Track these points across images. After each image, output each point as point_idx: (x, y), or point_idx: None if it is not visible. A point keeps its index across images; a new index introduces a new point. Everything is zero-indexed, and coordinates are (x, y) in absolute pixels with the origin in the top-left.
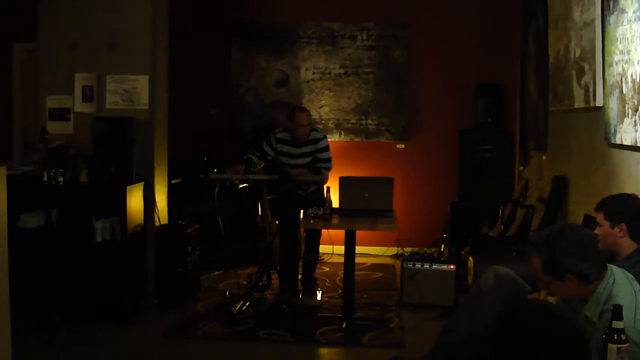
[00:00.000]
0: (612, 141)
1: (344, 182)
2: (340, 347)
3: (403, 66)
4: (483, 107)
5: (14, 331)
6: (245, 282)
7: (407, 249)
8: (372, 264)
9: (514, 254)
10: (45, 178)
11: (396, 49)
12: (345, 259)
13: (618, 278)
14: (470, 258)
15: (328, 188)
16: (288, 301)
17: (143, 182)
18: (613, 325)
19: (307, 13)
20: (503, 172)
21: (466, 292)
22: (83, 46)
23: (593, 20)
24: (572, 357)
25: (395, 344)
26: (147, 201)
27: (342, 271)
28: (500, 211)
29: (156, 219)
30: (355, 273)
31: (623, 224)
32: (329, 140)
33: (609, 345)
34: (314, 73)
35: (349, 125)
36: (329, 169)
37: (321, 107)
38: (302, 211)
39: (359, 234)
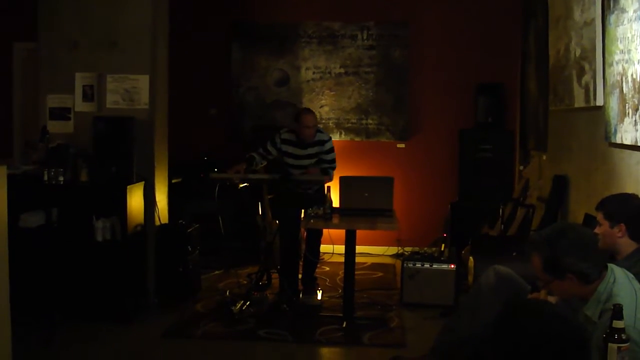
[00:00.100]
0: (613, 141)
1: (344, 182)
2: (341, 346)
3: (403, 66)
4: (483, 107)
5: (14, 330)
6: (245, 282)
7: (408, 249)
8: (373, 264)
9: (514, 254)
10: (46, 177)
11: (396, 48)
12: (345, 259)
13: (618, 277)
14: (471, 257)
15: (328, 187)
16: (288, 301)
17: (143, 182)
18: (613, 325)
19: (308, 12)
20: (503, 172)
21: (466, 292)
22: (83, 46)
23: (593, 20)
24: (572, 356)
25: (396, 344)
26: (148, 201)
27: (343, 271)
28: (500, 211)
29: (156, 219)
30: (356, 272)
31: (622, 224)
32: None
33: (610, 344)
34: (314, 73)
35: (349, 125)
36: (333, 169)
37: (321, 106)
38: (302, 211)
39: (359, 233)
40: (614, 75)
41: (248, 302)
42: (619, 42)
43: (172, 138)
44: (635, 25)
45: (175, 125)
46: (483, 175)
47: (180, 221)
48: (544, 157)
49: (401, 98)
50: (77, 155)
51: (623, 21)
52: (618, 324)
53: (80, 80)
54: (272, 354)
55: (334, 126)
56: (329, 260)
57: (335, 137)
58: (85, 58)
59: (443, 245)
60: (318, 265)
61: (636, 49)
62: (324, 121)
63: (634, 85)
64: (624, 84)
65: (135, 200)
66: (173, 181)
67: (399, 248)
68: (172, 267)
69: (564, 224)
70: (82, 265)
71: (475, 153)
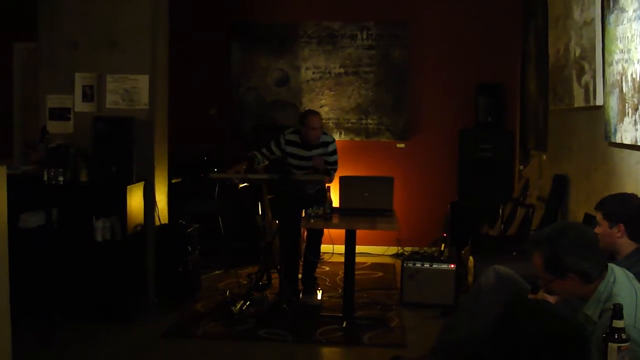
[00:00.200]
0: (612, 140)
1: (344, 182)
2: (341, 346)
3: (403, 66)
4: (483, 107)
5: (14, 330)
6: (245, 282)
7: (408, 249)
8: (373, 264)
9: (514, 253)
10: (46, 177)
11: (396, 48)
12: (345, 259)
13: (618, 277)
14: (471, 257)
15: (328, 187)
16: (288, 301)
17: (143, 182)
18: (613, 324)
19: (307, 12)
20: (503, 172)
21: (466, 292)
22: (83, 46)
23: (593, 19)
24: (572, 356)
25: (396, 344)
26: (147, 201)
27: (343, 270)
28: (500, 210)
29: (156, 219)
30: (356, 272)
31: (621, 224)
32: None
33: (610, 344)
34: (314, 72)
35: (349, 125)
36: (335, 171)
37: (321, 106)
38: (303, 211)
39: (359, 233)
40: (613, 74)
41: (248, 302)
42: (618, 41)
43: (172, 138)
44: (634, 25)
45: (175, 125)
46: (483, 175)
47: (180, 221)
48: (544, 157)
49: (401, 98)
50: (77, 156)
51: (623, 21)
52: (618, 323)
53: (80, 80)
54: (272, 354)
55: (334, 126)
56: (329, 260)
57: (335, 137)
58: (85, 58)
59: (443, 245)
60: (318, 265)
61: (636, 49)
62: (324, 121)
63: (633, 84)
64: (623, 83)
65: (135, 200)
66: (173, 181)
67: (399, 248)
68: (172, 267)
69: (565, 223)
70: (82, 265)
71: (475, 153)
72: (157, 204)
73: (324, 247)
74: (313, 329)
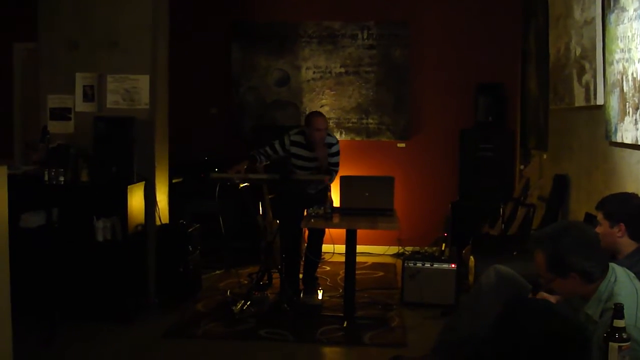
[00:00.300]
0: (613, 140)
1: (345, 182)
2: (342, 346)
3: (404, 65)
4: (484, 106)
5: (15, 330)
6: (246, 282)
7: (408, 248)
8: (373, 263)
9: (515, 253)
10: (46, 178)
11: (397, 48)
12: (346, 258)
13: (619, 277)
14: (471, 257)
15: (329, 187)
16: (289, 300)
17: (144, 182)
18: (614, 324)
19: (308, 12)
20: (504, 171)
21: (467, 291)
22: (83, 46)
23: (594, 19)
24: (573, 355)
25: (397, 343)
26: (148, 200)
27: (343, 270)
28: (501, 210)
29: (157, 219)
30: (356, 272)
31: (622, 223)
32: None
33: (610, 343)
34: (314, 72)
35: (350, 125)
36: (336, 172)
37: (322, 106)
38: (304, 210)
39: (360, 233)
40: (614, 74)
41: (249, 302)
42: (619, 41)
43: (172, 138)
44: (635, 24)
45: (176, 125)
46: (483, 175)
47: (181, 221)
48: (545, 157)
49: (402, 98)
50: (78, 156)
51: (623, 20)
52: (619, 323)
53: (81, 80)
54: (272, 354)
55: (335, 126)
56: (330, 260)
57: (336, 137)
58: (86, 58)
59: (444, 244)
60: (319, 265)
61: (636, 48)
62: None
63: (634, 84)
64: (624, 83)
65: (135, 200)
66: (174, 181)
67: (400, 247)
68: (173, 267)
69: (568, 222)
70: (82, 265)
71: (476, 152)
72: (158, 203)
73: (325, 247)
74: (314, 328)
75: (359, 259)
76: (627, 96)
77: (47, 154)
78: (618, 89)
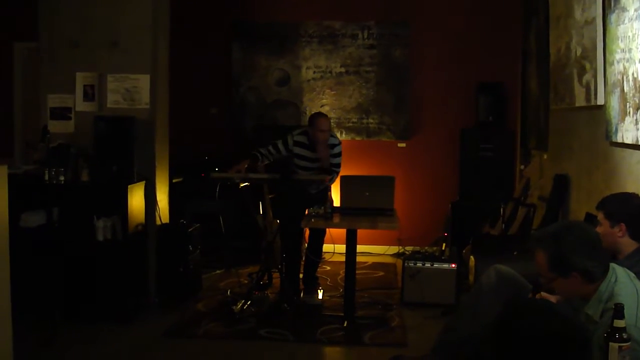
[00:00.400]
0: (614, 140)
1: (345, 181)
2: (342, 346)
3: (404, 65)
4: (484, 106)
5: (15, 330)
6: (246, 281)
7: (408, 248)
8: (373, 263)
9: (515, 253)
10: (47, 177)
11: (397, 47)
12: (346, 258)
13: (620, 277)
14: (472, 257)
15: (329, 187)
16: (289, 300)
17: (144, 181)
18: (615, 324)
19: (308, 12)
20: (504, 171)
21: (467, 291)
22: (84, 45)
23: (594, 19)
24: (574, 356)
25: (397, 343)
26: (148, 200)
27: (343, 270)
28: (501, 210)
29: (157, 218)
30: (357, 272)
31: (622, 223)
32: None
33: (611, 344)
34: (314, 72)
35: (350, 124)
36: (337, 173)
37: (322, 106)
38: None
39: (360, 232)
40: (614, 74)
41: (249, 302)
42: (619, 41)
43: (172, 138)
44: (636, 24)
45: (176, 124)
46: (484, 175)
47: (181, 221)
48: (545, 157)
49: (402, 97)
50: (78, 155)
51: (624, 20)
52: (619, 323)
53: (81, 79)
54: (273, 354)
55: (335, 125)
56: (330, 260)
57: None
58: (86, 58)
59: (444, 244)
60: (319, 265)
61: (637, 48)
62: None
63: (634, 84)
64: (624, 83)
65: (136, 199)
66: (174, 181)
67: (400, 247)
68: (173, 267)
69: (569, 222)
70: (83, 264)
71: (476, 152)
72: (158, 203)
73: (325, 247)
74: (314, 328)
75: (359, 258)
76: (627, 96)
77: (47, 154)
78: (618, 89)
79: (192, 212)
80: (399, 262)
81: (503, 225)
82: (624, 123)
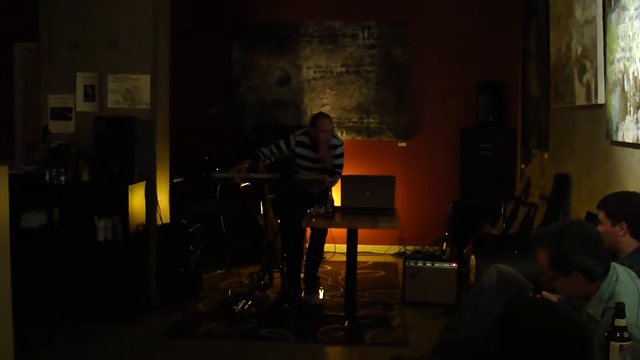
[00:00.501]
0: (614, 139)
1: (346, 181)
2: (343, 345)
3: (404, 64)
4: (484, 106)
5: (16, 330)
6: (247, 281)
7: (409, 248)
8: (374, 263)
9: (516, 252)
10: (47, 177)
11: (397, 47)
12: (347, 258)
13: (621, 276)
14: (472, 256)
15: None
16: (290, 300)
17: (145, 181)
18: (615, 323)
19: (308, 12)
20: (505, 171)
21: (468, 291)
22: (84, 45)
23: (594, 18)
24: (575, 355)
25: (398, 343)
26: (149, 200)
27: (344, 270)
28: (502, 209)
29: (158, 218)
30: (357, 271)
31: (624, 222)
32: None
33: (612, 343)
34: (315, 72)
35: (351, 124)
36: (339, 174)
37: (323, 105)
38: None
39: (361, 232)
40: (615, 73)
41: (250, 302)
42: (620, 40)
43: (173, 138)
44: (636, 23)
45: (177, 124)
46: (484, 174)
47: (182, 221)
48: (546, 156)
49: (402, 97)
50: (79, 155)
51: (624, 19)
52: (620, 322)
53: (82, 80)
54: (274, 353)
55: (336, 125)
56: (331, 259)
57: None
58: (86, 58)
59: (445, 244)
60: (320, 264)
61: (637, 47)
62: None
63: (635, 83)
64: (625, 82)
65: (136, 200)
66: (174, 181)
67: (401, 247)
68: (174, 267)
69: (571, 221)
70: (83, 265)
71: (477, 152)
72: (159, 203)
73: (326, 247)
74: (315, 328)
75: (360, 258)
76: (628, 95)
77: (48, 154)
78: (619, 88)
79: (192, 212)
80: (400, 261)
81: (504, 224)
82: (624, 122)
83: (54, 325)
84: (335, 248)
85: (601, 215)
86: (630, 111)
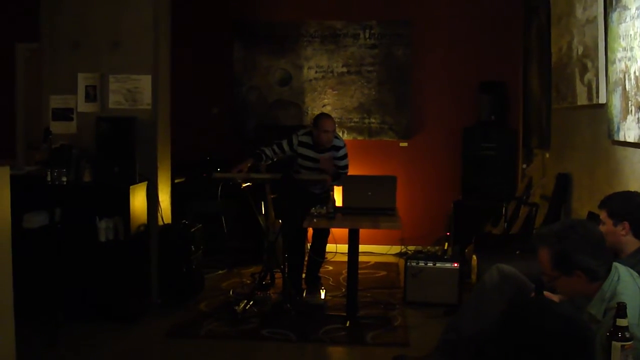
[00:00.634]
0: (616, 138)
1: (347, 181)
2: (344, 345)
3: (406, 64)
4: (486, 105)
5: (18, 331)
6: (248, 281)
7: (411, 248)
8: (376, 263)
9: (517, 252)
10: (49, 178)
11: (399, 47)
12: (348, 258)
13: (623, 276)
14: (474, 256)
15: (332, 187)
16: (292, 300)
17: (146, 182)
18: (617, 323)
19: (310, 11)
20: (506, 170)
21: (470, 291)
22: (85, 46)
23: (596, 17)
24: (576, 355)
25: (399, 343)
26: (151, 201)
27: (346, 270)
28: (503, 209)
29: (159, 219)
30: (359, 271)
31: (626, 222)
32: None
33: (613, 343)
34: (316, 72)
35: (352, 124)
36: (345, 174)
37: (324, 105)
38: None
39: (363, 232)
40: (616, 72)
41: (251, 302)
42: (621, 39)
43: (174, 138)
44: (637, 23)
45: (178, 125)
46: (486, 174)
47: (184, 221)
48: (547, 155)
49: (404, 97)
50: (80, 156)
51: (625, 18)
52: (622, 322)
53: (83, 80)
54: (275, 353)
55: (337, 125)
56: (332, 260)
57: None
58: (88, 58)
59: (446, 243)
60: (322, 265)
61: (639, 47)
62: None
63: (636, 82)
64: (626, 81)
65: (138, 200)
66: (176, 181)
67: (402, 247)
68: (176, 267)
69: (573, 220)
70: (85, 265)
71: (478, 151)
72: (160, 203)
73: (327, 247)
74: (316, 328)
75: (361, 258)
76: (629, 95)
77: (49, 155)
78: (620, 87)
79: (194, 213)
80: (402, 261)
81: (505, 224)
82: (625, 121)
83: (56, 325)
84: (336, 248)
85: (603, 215)
86: (631, 111)
